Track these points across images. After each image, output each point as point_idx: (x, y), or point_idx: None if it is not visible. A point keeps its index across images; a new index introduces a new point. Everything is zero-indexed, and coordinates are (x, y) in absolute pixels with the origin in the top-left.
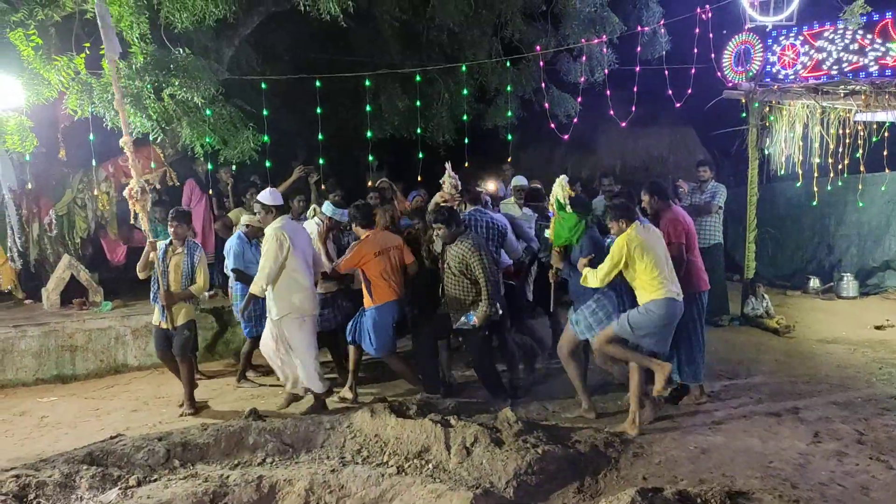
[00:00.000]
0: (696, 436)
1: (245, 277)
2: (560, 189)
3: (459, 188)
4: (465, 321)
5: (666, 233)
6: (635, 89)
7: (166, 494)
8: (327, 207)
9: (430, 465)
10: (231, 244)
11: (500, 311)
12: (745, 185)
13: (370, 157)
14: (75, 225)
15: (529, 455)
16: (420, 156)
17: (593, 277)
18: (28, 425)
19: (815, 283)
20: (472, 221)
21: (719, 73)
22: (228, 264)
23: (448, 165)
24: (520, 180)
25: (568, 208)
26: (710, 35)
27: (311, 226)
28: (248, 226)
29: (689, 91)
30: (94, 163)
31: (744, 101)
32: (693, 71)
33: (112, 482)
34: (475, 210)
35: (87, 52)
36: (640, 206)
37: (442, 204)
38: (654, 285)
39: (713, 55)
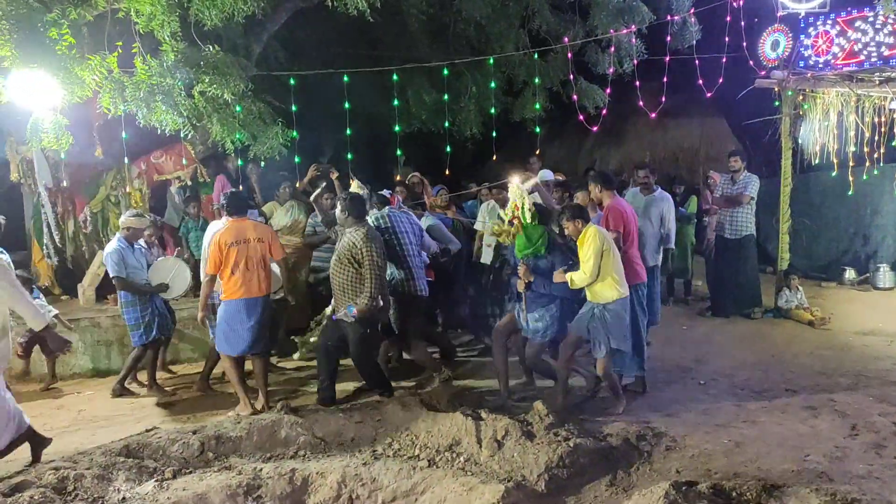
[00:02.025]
0: (730, 429)
1: (129, 286)
2: (523, 201)
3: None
4: (346, 312)
5: (605, 221)
6: (665, 79)
7: (201, 486)
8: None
9: (462, 459)
10: (111, 249)
11: (382, 305)
12: (778, 176)
13: (398, 152)
14: (109, 222)
15: (561, 448)
16: (448, 150)
17: (580, 277)
18: (66, 419)
19: (850, 274)
20: (392, 219)
21: (751, 62)
22: (110, 272)
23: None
24: (546, 175)
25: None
26: (742, 23)
27: (221, 225)
28: (128, 228)
29: (721, 81)
30: (126, 160)
31: (777, 89)
32: (724, 60)
33: (148, 474)
34: (394, 208)
35: (120, 51)
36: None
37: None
38: (615, 285)
39: (745, 44)
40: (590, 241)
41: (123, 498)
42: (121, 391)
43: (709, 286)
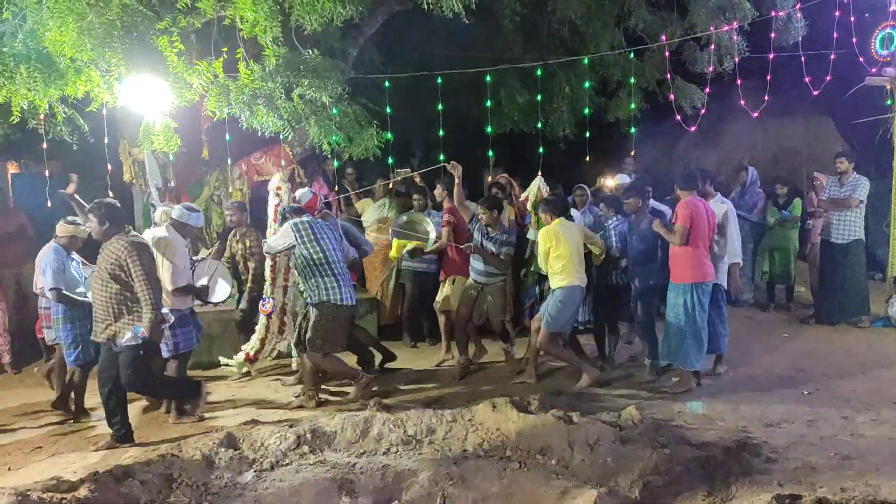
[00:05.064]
0: (836, 442)
1: (66, 299)
2: (537, 190)
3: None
4: (133, 335)
5: (675, 213)
6: (768, 78)
7: (297, 479)
8: (180, 213)
9: (553, 462)
10: (48, 258)
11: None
12: (889, 177)
13: (489, 153)
14: (212, 220)
15: (656, 455)
16: (540, 151)
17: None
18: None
19: None
20: (312, 227)
21: (861, 59)
22: (46, 282)
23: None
24: (622, 178)
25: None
26: (852, 18)
27: (161, 231)
28: (68, 237)
29: (829, 78)
30: (229, 161)
31: (889, 87)
32: (833, 57)
33: (248, 464)
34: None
35: (225, 57)
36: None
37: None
38: (563, 274)
39: (854, 40)
40: (539, 238)
41: (225, 485)
42: (76, 413)
43: (813, 293)
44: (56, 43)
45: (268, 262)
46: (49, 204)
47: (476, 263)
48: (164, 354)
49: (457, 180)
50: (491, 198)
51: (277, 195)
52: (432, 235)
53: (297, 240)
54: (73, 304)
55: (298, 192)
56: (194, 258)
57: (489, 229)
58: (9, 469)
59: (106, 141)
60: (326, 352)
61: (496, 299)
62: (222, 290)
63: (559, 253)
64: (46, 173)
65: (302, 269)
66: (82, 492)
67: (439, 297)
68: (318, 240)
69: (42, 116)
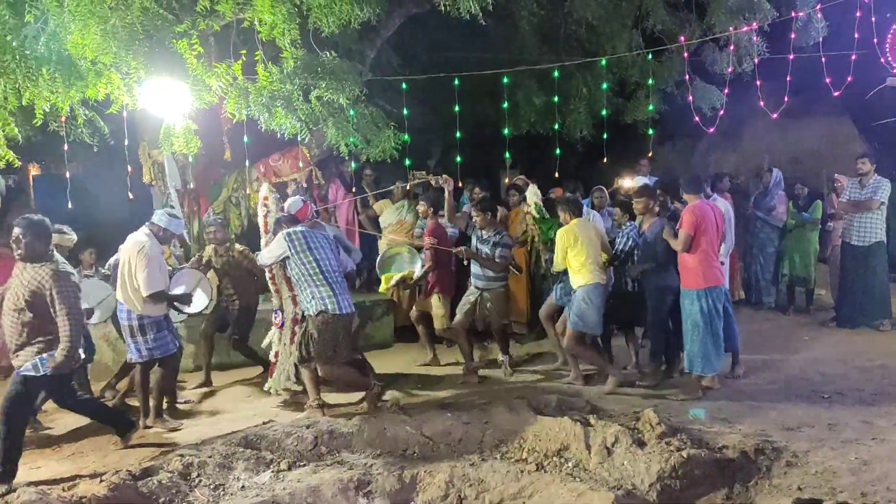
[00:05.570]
0: (858, 446)
1: None
2: (536, 197)
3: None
4: (38, 365)
5: (680, 220)
6: (788, 79)
7: (315, 479)
8: (161, 217)
9: (570, 464)
10: None
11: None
12: None
13: (506, 155)
14: (230, 222)
15: (673, 458)
16: (557, 152)
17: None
18: (188, 408)
19: None
20: (306, 237)
21: (882, 59)
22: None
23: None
24: (640, 181)
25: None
26: (873, 19)
27: (140, 236)
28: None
29: (850, 79)
30: (247, 163)
31: None
32: (853, 57)
33: (265, 465)
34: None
35: (244, 59)
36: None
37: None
38: (582, 272)
39: (875, 40)
40: (558, 237)
41: (242, 486)
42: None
43: (833, 295)
44: (77, 46)
45: (268, 275)
46: (70, 205)
47: (475, 268)
48: (138, 360)
49: (447, 194)
50: (483, 200)
51: (265, 206)
52: (417, 266)
53: (290, 250)
54: None
55: (288, 202)
56: (177, 266)
57: (483, 232)
58: (29, 468)
59: (126, 143)
60: (337, 363)
61: (496, 304)
62: (199, 301)
63: (577, 252)
64: (67, 175)
65: (297, 279)
66: (101, 491)
67: (417, 308)
68: (310, 249)
69: (63, 119)
